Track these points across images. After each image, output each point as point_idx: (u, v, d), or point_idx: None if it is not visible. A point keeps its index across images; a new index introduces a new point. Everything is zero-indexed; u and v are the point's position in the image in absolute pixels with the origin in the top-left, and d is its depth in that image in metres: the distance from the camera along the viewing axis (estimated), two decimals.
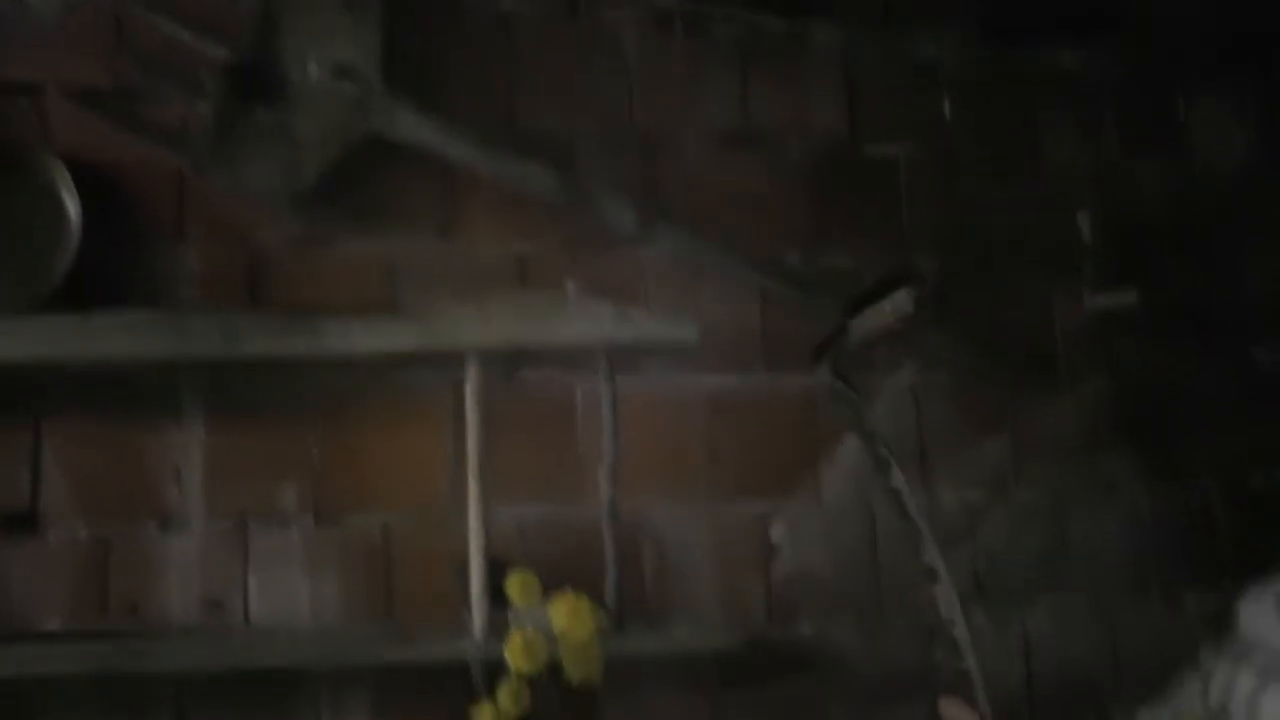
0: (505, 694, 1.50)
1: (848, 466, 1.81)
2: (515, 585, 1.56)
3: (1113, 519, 1.98)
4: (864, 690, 1.77)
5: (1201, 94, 2.15)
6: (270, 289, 1.71)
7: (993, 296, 1.95)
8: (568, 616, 1.52)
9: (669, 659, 1.67)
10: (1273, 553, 1.37)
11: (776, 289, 1.81)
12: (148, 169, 1.68)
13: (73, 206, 1.60)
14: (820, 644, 1.77)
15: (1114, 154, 2.08)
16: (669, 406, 1.77)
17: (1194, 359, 2.07)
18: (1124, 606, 1.96)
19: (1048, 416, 1.96)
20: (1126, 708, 1.42)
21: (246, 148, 1.66)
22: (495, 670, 1.53)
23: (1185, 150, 2.14)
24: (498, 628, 1.56)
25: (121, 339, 1.56)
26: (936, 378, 1.90)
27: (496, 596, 1.58)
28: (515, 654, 1.49)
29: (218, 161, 1.66)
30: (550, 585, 1.58)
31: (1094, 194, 2.03)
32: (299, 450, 1.68)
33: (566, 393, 1.75)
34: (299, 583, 1.66)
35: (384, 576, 1.69)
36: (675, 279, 1.79)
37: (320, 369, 1.66)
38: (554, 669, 1.51)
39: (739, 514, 1.77)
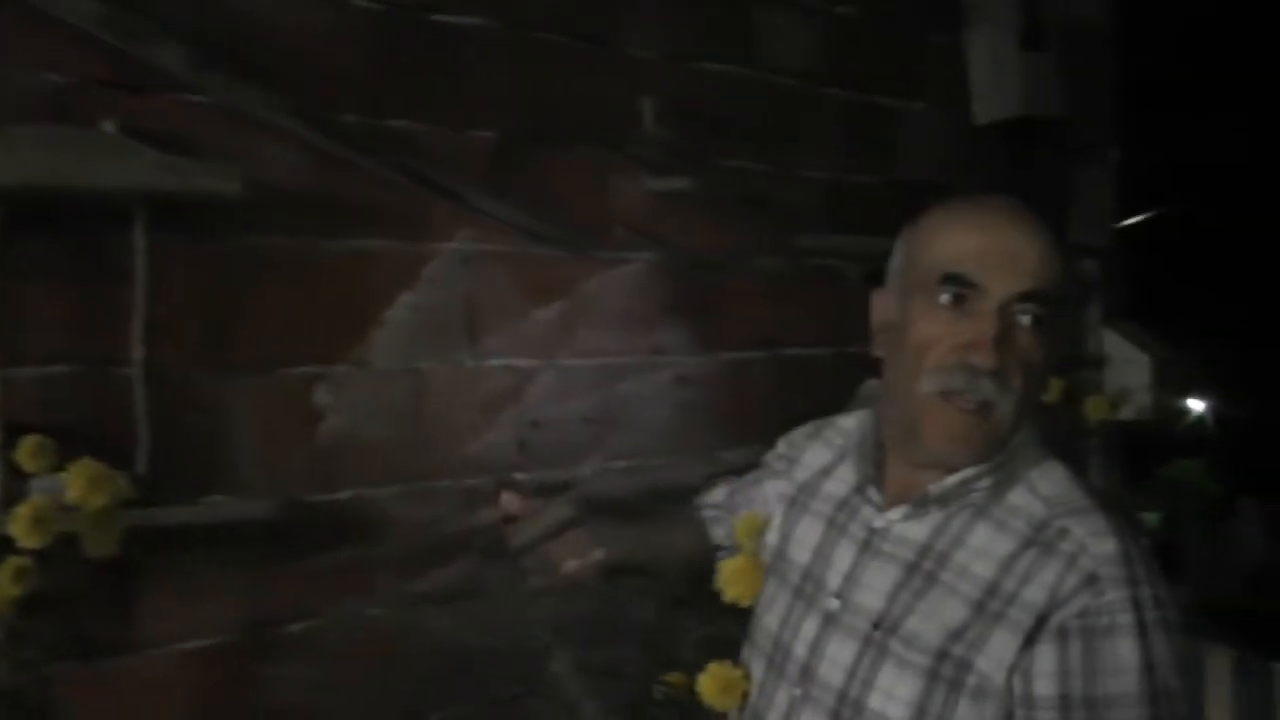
0: (5, 572, 1.37)
1: (396, 330, 1.81)
2: (26, 451, 1.43)
3: (659, 385, 2.13)
4: (409, 554, 1.82)
5: (772, 2, 2.29)
6: None
7: (554, 171, 1.99)
8: (84, 485, 1.41)
9: (209, 529, 1.60)
10: (803, 413, 1.56)
11: (333, 148, 1.74)
12: None
13: None
14: (365, 509, 1.77)
15: (684, 49, 2.18)
16: (213, 263, 1.66)
17: (744, 242, 2.24)
18: (665, 467, 2.12)
19: (600, 287, 2.05)
20: None
21: None
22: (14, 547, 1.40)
23: (752, 51, 2.27)
24: (20, 500, 1.42)
25: None
26: (492, 246, 1.92)
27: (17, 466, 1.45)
28: (21, 526, 1.36)
29: None
30: (80, 453, 1.46)
31: (661, 84, 2.11)
32: None
33: (101, 242, 1.57)
34: None
35: None
36: (227, 129, 1.66)
37: None
38: (70, 542, 1.41)
39: (284, 378, 1.71)
